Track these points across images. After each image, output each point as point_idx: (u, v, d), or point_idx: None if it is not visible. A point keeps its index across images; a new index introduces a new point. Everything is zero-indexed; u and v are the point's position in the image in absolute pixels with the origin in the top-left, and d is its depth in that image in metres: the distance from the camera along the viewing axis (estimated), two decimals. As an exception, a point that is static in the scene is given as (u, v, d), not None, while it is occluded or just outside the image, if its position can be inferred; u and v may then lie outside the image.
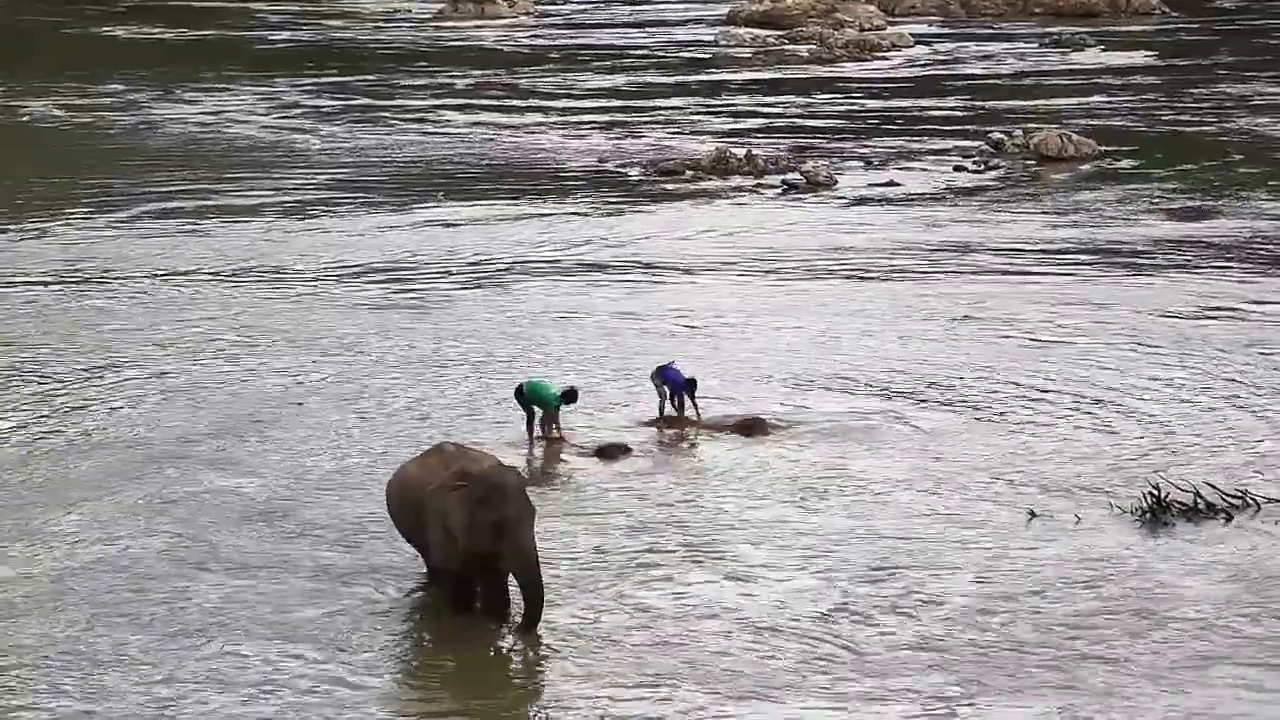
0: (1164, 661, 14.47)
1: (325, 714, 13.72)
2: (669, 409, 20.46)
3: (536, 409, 19.87)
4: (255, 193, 34.93)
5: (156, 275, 27.78)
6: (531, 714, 14.06)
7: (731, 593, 15.78)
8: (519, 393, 20.01)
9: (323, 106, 46.32)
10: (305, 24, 64.79)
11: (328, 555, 16.64)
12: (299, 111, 45.55)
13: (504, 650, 14.88)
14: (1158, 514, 17.41)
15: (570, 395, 19.92)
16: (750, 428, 20.09)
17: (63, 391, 21.84)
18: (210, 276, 27.78)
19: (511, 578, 15.00)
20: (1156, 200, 33.78)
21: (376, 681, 14.22)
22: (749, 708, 13.78)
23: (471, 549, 14.83)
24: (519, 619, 14.97)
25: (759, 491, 18.40)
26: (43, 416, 20.90)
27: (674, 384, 20.41)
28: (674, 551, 16.71)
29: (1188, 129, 42.17)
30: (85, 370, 22.68)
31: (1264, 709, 13.83)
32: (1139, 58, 54.43)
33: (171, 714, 13.71)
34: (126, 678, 14.28)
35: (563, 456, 19.51)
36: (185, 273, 28.01)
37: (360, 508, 17.71)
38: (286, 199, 34.32)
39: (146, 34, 61.90)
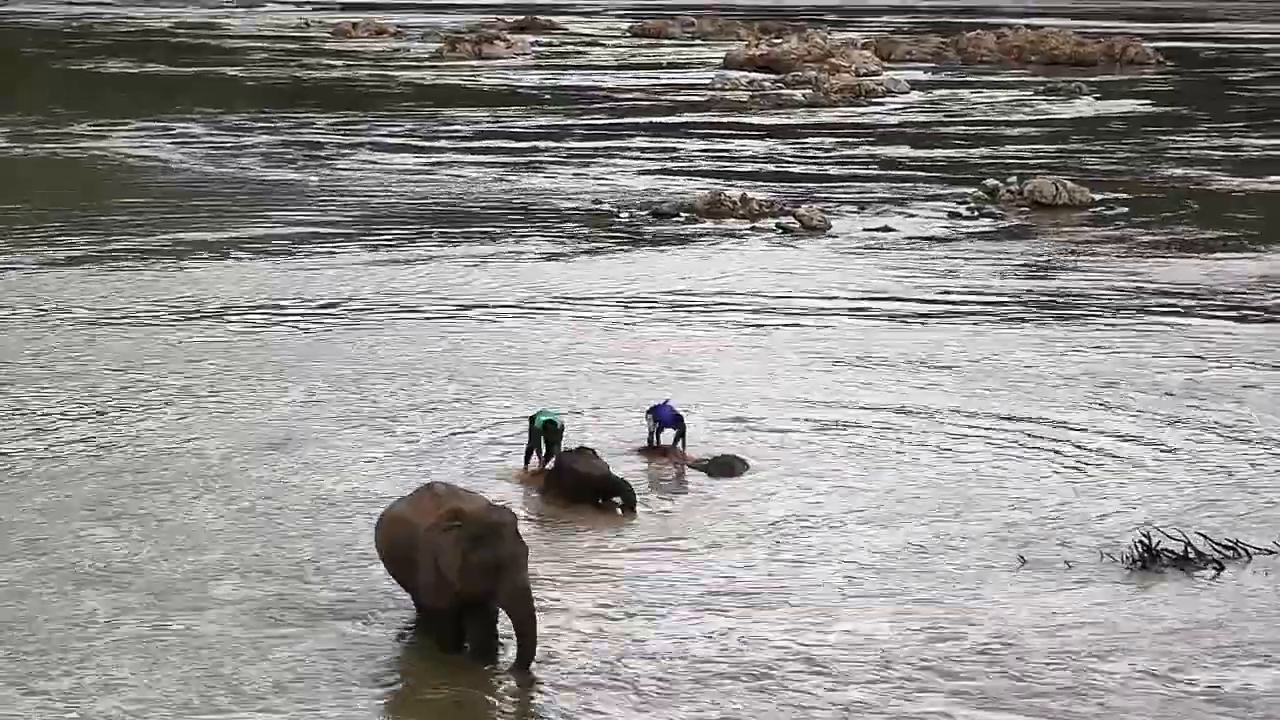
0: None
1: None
2: (665, 441, 20.90)
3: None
4: (233, 230, 35.04)
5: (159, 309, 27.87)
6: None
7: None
8: (531, 421, 20.31)
9: (314, 144, 46.44)
10: (300, 64, 64.91)
11: (318, 589, 16.59)
12: (287, 149, 45.62)
13: (495, 689, 14.82)
14: (1148, 563, 17.41)
15: (550, 428, 20.08)
16: (725, 466, 20.33)
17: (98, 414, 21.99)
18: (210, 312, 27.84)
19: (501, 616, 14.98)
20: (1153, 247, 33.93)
21: (364, 720, 14.16)
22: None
23: (465, 589, 14.78)
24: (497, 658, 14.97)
25: (720, 529, 18.40)
26: (81, 438, 20.96)
27: (664, 421, 20.91)
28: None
29: (1173, 178, 42.33)
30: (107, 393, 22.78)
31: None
32: (1133, 106, 54.66)
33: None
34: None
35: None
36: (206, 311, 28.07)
37: (359, 539, 17.73)
38: (278, 235, 34.36)
39: (121, 70, 61.94)
